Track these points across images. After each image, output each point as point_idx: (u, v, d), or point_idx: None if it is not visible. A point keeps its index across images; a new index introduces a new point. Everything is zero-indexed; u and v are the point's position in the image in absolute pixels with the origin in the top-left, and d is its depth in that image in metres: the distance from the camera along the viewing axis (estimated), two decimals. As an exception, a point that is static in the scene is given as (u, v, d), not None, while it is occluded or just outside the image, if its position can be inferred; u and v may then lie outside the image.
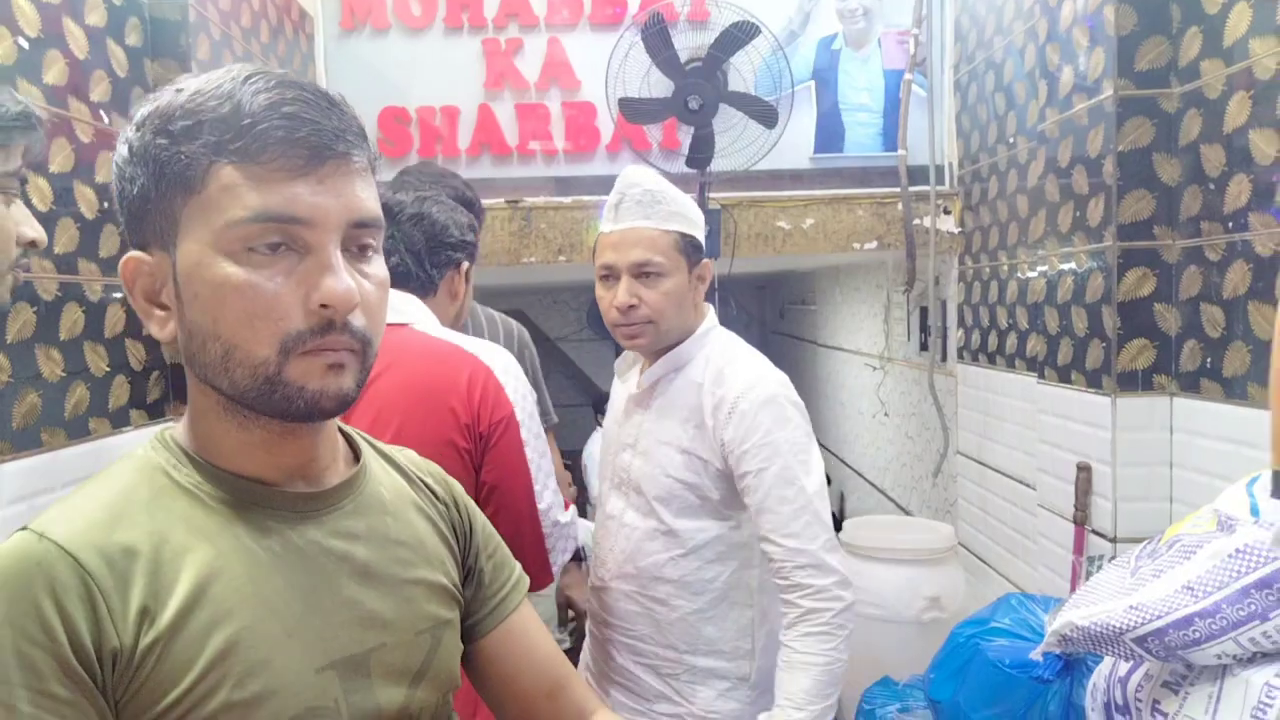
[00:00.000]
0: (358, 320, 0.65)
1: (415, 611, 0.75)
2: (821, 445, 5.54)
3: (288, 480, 0.70)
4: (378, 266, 0.68)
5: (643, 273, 1.51)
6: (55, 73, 1.71)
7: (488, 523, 0.89)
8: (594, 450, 4.05)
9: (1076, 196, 2.10)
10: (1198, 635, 1.22)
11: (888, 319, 3.78)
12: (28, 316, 1.55)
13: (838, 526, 4.37)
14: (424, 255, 1.51)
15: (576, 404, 6.53)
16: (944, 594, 2.51)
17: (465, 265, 1.61)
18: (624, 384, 1.71)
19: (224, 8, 2.26)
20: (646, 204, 1.52)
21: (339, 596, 0.69)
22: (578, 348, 7.49)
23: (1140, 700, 1.39)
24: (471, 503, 0.88)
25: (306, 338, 0.63)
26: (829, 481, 4.74)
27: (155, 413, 1.93)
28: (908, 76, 2.93)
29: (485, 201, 3.03)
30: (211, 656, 0.61)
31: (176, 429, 0.70)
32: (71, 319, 1.68)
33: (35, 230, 1.07)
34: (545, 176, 3.12)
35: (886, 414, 3.90)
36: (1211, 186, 1.79)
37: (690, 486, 1.52)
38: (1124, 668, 1.45)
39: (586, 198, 3.03)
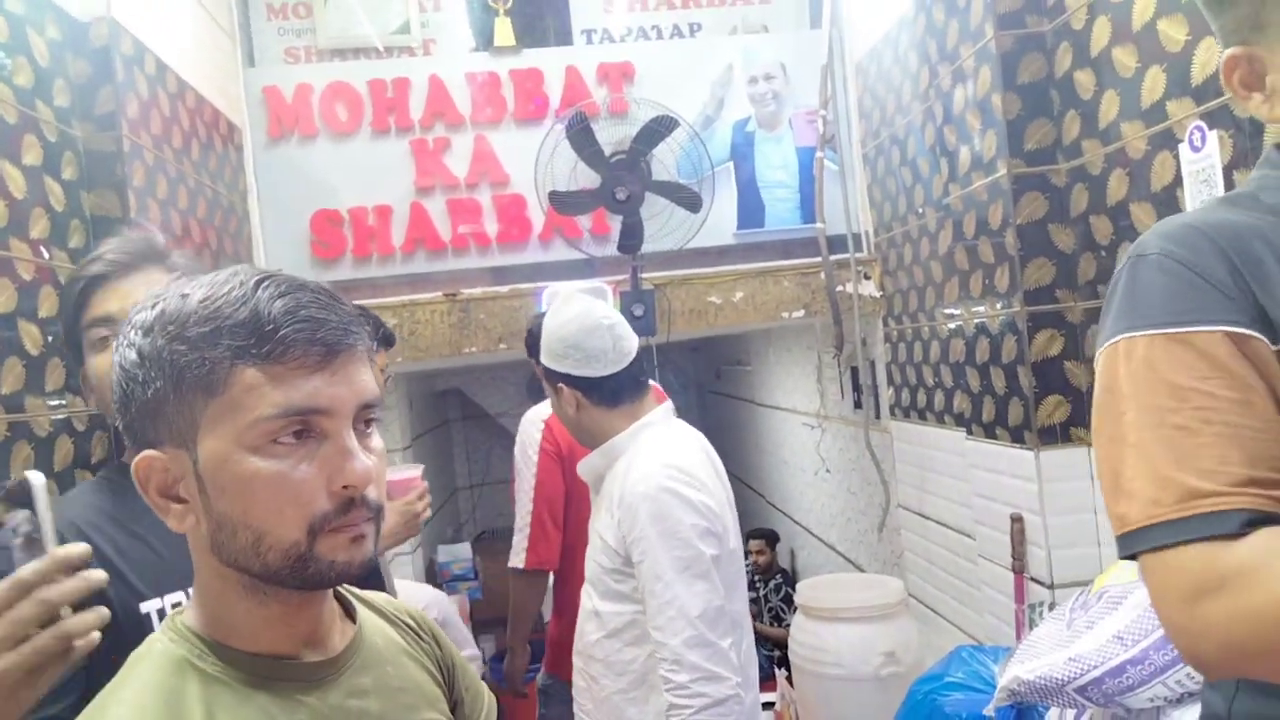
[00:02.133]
0: (372, 494, 0.70)
1: None
2: (768, 502, 5.62)
3: (302, 650, 0.74)
4: (378, 439, 0.73)
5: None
6: (-5, 216, 1.73)
7: (462, 657, 0.94)
8: None
9: (984, 265, 2.27)
10: (1131, 681, 1.33)
11: (821, 378, 3.92)
12: (-21, 464, 1.55)
13: (792, 584, 4.47)
14: None
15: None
16: (899, 648, 2.59)
17: None
18: None
19: (155, 132, 2.30)
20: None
21: None
22: (516, 421, 7.49)
23: (1088, 745, 1.48)
24: (445, 636, 0.93)
25: (331, 517, 0.68)
26: (774, 539, 4.84)
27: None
28: (819, 154, 3.11)
29: (423, 296, 3.10)
30: None
31: (186, 615, 0.73)
32: (22, 455, 1.68)
33: None
34: (481, 268, 3.20)
35: (828, 470, 4.02)
36: (1104, 254, 1.96)
37: (606, 571, 1.60)
38: (1070, 715, 1.55)
39: (523, 285, 3.11)
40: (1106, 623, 1.40)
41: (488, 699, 0.95)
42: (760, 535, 4.64)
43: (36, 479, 0.77)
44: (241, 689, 0.69)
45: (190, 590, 0.89)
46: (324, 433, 0.68)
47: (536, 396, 2.45)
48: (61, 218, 1.95)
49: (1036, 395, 2.08)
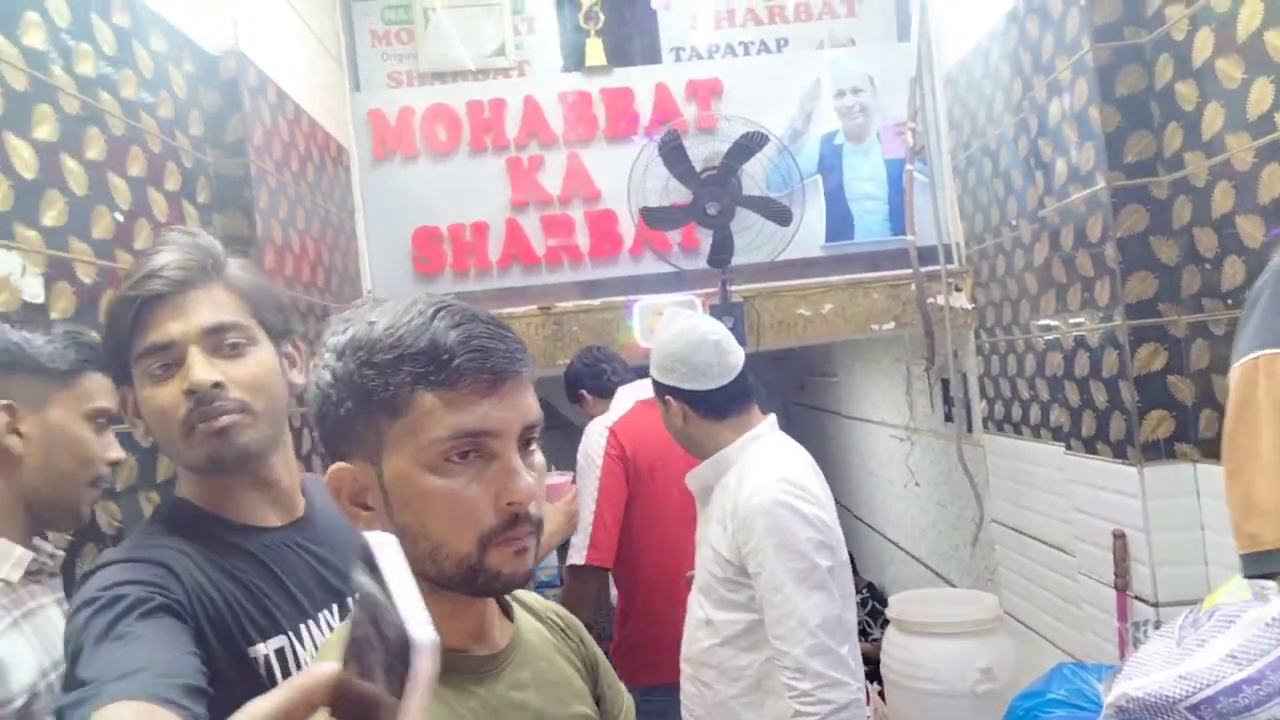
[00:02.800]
0: (533, 509, 0.76)
1: None
2: (854, 516, 5.59)
3: (470, 644, 0.81)
4: (539, 456, 0.80)
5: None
6: (143, 238, 1.88)
7: (604, 656, 1.00)
8: None
9: (1083, 277, 2.24)
10: (1247, 701, 1.31)
11: (910, 391, 3.90)
12: (131, 465, 1.69)
13: (880, 599, 4.43)
14: None
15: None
16: (995, 664, 2.56)
17: None
18: None
19: (277, 157, 2.46)
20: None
21: None
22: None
23: (1199, 765, 1.46)
24: (591, 639, 0.99)
25: (499, 532, 0.74)
26: (851, 557, 4.80)
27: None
28: (909, 166, 3.10)
29: (518, 309, 3.21)
30: None
31: None
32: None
33: (118, 451, 1.24)
34: (573, 281, 3.29)
35: (917, 484, 3.98)
36: (1208, 266, 1.92)
37: (719, 581, 1.65)
38: (1180, 734, 1.53)
39: (615, 299, 3.19)
40: (1219, 641, 1.38)
41: (627, 698, 1.01)
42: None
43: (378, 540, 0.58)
44: None
45: (291, 634, 0.97)
46: (492, 453, 0.75)
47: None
48: (196, 239, 2.11)
49: (1140, 410, 2.05)
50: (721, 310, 2.90)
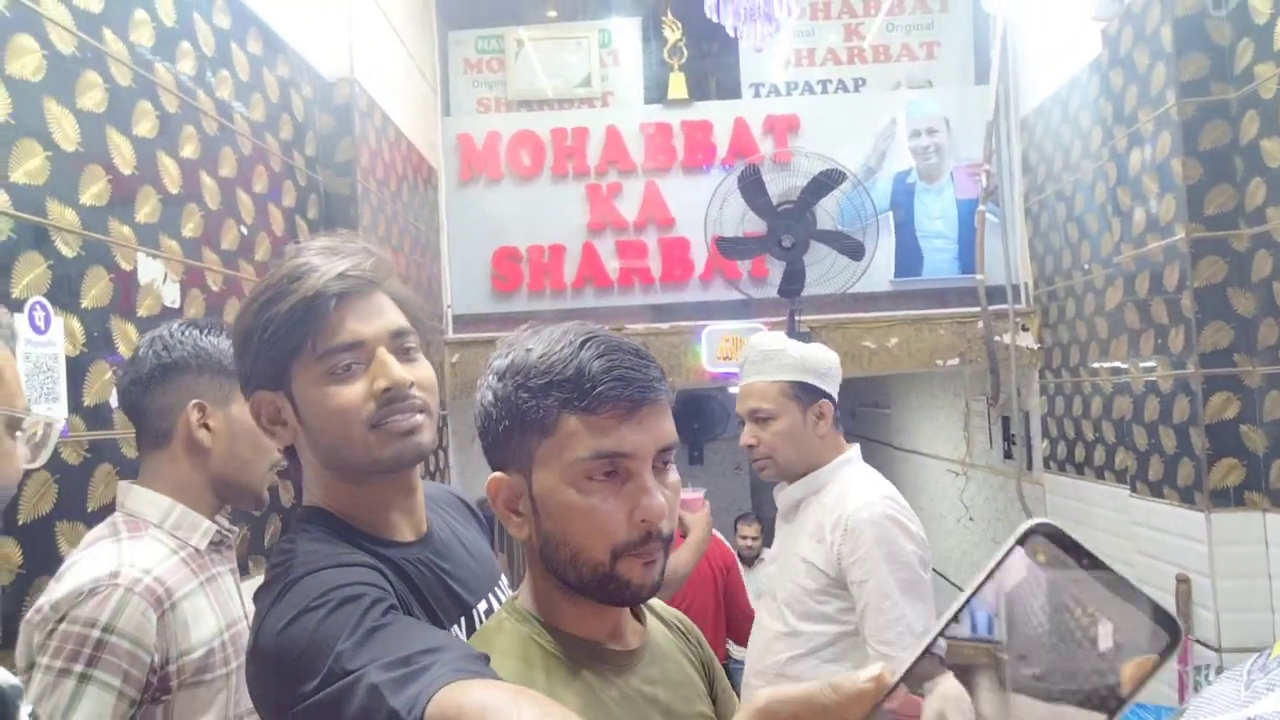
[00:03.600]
0: (665, 527, 0.84)
1: None
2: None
3: (608, 639, 0.89)
4: (674, 475, 0.87)
5: (757, 417, 1.81)
6: (263, 250, 2.02)
7: (715, 658, 1.08)
8: None
9: (1156, 325, 2.28)
10: (1315, 746, 1.34)
11: (968, 426, 3.92)
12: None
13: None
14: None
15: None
16: (1049, 702, 2.58)
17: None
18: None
19: (379, 177, 2.60)
20: (758, 363, 1.84)
21: None
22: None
23: (1264, 808, 1.49)
24: (705, 640, 1.07)
25: (631, 546, 0.82)
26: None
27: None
28: (981, 208, 3.16)
29: (590, 329, 3.31)
30: None
31: (523, 600, 0.90)
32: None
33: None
34: (644, 305, 3.40)
35: (971, 518, 4.00)
36: (1286, 320, 1.96)
37: (810, 593, 1.72)
38: (1245, 777, 1.56)
39: (683, 323, 3.28)
40: (1289, 687, 1.42)
41: (736, 701, 1.08)
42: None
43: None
44: (569, 664, 0.85)
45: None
46: (629, 472, 0.82)
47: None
48: (306, 252, 2.25)
49: (1210, 457, 2.08)
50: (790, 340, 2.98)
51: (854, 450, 1.86)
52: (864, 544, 1.65)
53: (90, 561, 1.10)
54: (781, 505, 1.87)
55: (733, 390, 1.99)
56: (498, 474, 0.86)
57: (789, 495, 1.84)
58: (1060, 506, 2.97)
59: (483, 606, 1.05)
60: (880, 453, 5.90)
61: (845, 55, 3.62)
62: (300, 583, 0.85)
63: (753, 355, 1.85)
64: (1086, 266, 2.73)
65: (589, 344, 0.82)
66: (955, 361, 3.20)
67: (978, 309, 3.14)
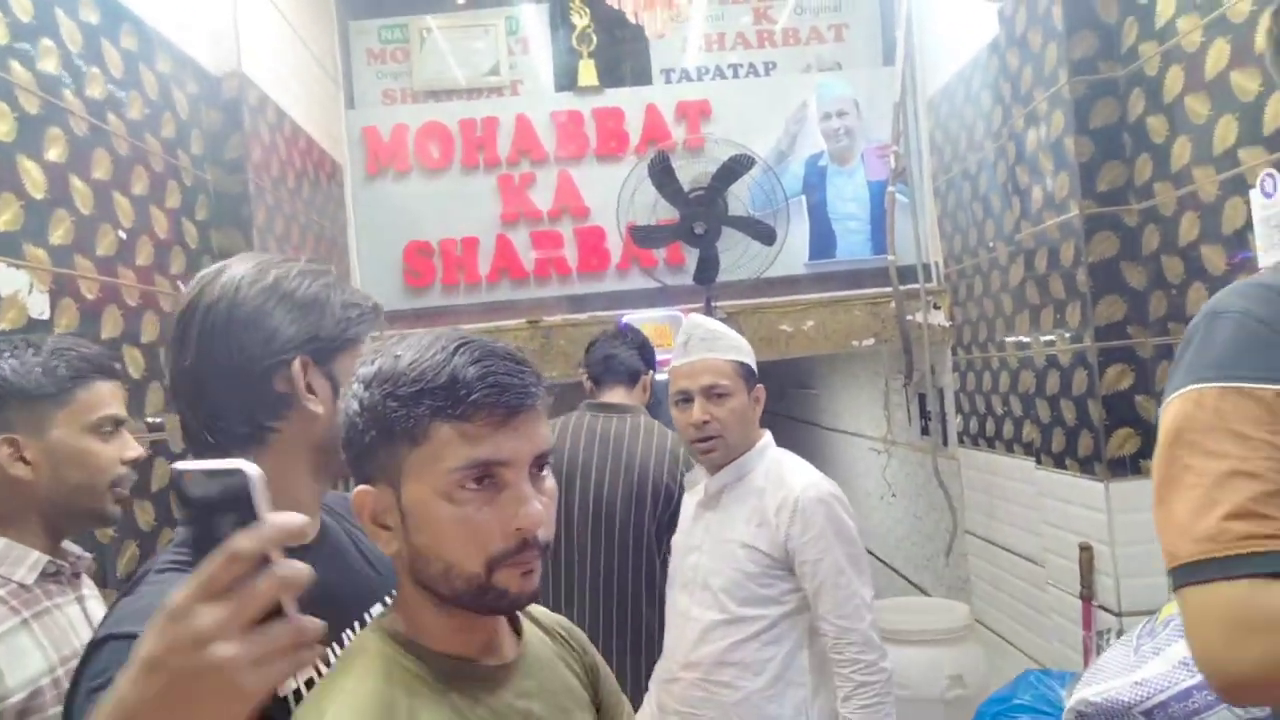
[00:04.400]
0: (542, 534, 0.81)
1: None
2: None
3: (481, 655, 0.86)
4: (551, 482, 0.86)
5: (713, 394, 1.78)
6: (145, 255, 1.93)
7: (605, 664, 1.06)
8: None
9: (1055, 300, 2.33)
10: (1197, 705, 1.39)
11: (888, 404, 3.99)
12: (136, 478, 1.74)
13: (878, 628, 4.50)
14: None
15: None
16: (965, 671, 2.64)
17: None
18: (692, 495, 1.95)
19: (274, 174, 2.51)
20: (710, 340, 1.83)
21: None
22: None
23: (1157, 769, 1.54)
24: (593, 648, 1.05)
25: (507, 555, 0.80)
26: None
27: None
28: (890, 188, 3.20)
29: (506, 323, 3.27)
30: None
31: (389, 619, 0.86)
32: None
33: (135, 450, 1.25)
34: (561, 296, 3.36)
35: (894, 495, 4.07)
36: (1175, 292, 2.02)
37: (751, 577, 1.74)
38: (1140, 739, 1.61)
39: (602, 313, 3.25)
40: (1173, 649, 1.46)
41: (627, 705, 1.07)
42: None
43: (252, 470, 0.56)
44: (437, 685, 0.82)
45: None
46: (504, 481, 0.80)
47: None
48: (195, 255, 2.16)
49: (1107, 428, 2.14)
50: (707, 326, 2.98)
51: (769, 435, 1.88)
52: (816, 524, 1.70)
53: None
54: (705, 493, 1.87)
55: (662, 376, 1.95)
56: (364, 487, 0.82)
57: (716, 482, 1.84)
58: (974, 480, 3.04)
59: (377, 610, 1.02)
60: (808, 432, 5.98)
61: (755, 39, 3.62)
62: (118, 606, 0.85)
63: (699, 333, 1.84)
64: (991, 244, 2.78)
65: (462, 350, 0.80)
66: (871, 342, 3.24)
67: (890, 289, 3.18)
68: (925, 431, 3.47)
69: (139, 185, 1.92)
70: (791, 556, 1.71)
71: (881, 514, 4.37)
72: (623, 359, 2.35)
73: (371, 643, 0.84)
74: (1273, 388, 0.77)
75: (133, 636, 0.82)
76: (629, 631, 2.21)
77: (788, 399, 6.76)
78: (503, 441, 0.79)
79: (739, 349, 1.84)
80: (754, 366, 1.85)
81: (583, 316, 3.27)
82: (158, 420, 1.88)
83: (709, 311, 3.05)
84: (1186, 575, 0.76)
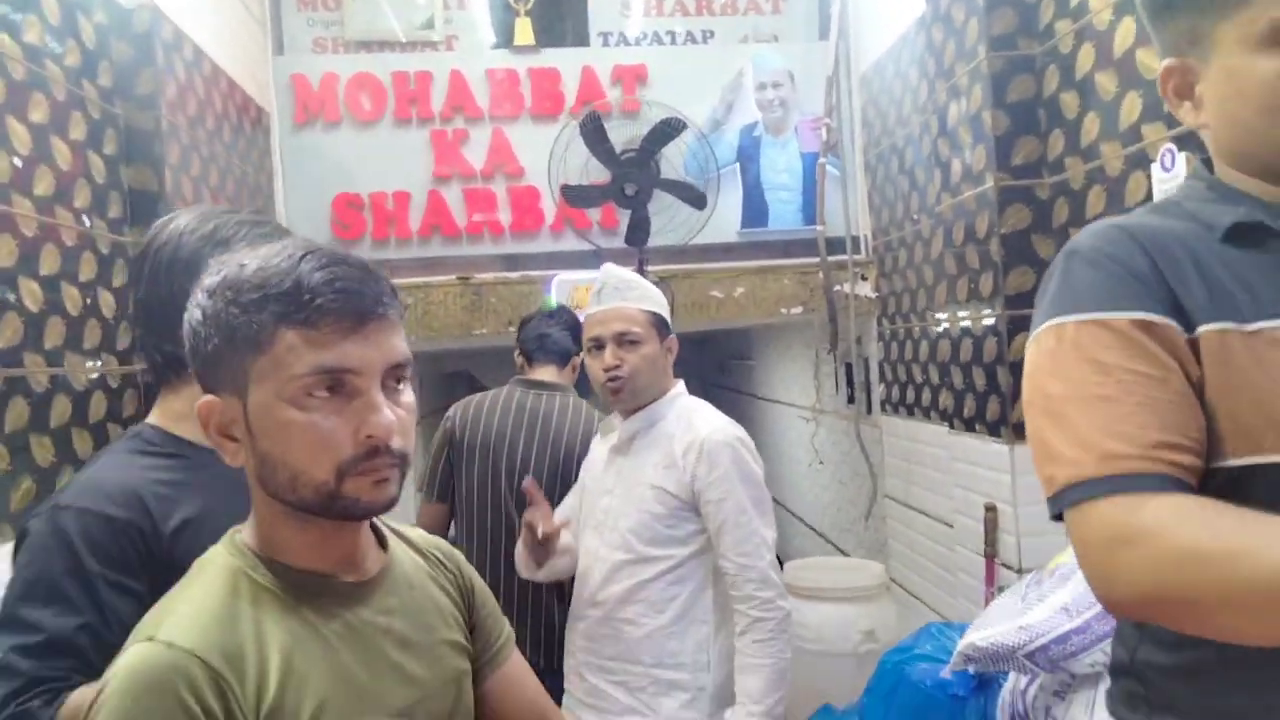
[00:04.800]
0: (396, 443, 0.81)
1: (444, 667, 0.92)
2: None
3: (338, 570, 0.86)
4: (409, 395, 0.85)
5: (624, 341, 1.82)
6: (44, 185, 1.87)
7: (485, 586, 1.06)
8: None
9: (970, 270, 2.39)
10: (1073, 648, 1.46)
11: (818, 374, 4.05)
12: (22, 408, 1.69)
13: (780, 568, 4.60)
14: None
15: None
16: (878, 627, 2.72)
17: None
18: (605, 441, 1.97)
19: (191, 114, 2.44)
20: (623, 289, 1.87)
21: (388, 662, 0.85)
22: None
23: (1036, 708, 1.61)
24: (471, 569, 1.06)
25: (357, 462, 0.78)
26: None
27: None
28: (822, 160, 3.23)
29: (437, 279, 3.24)
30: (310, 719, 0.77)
31: (244, 534, 0.85)
32: (60, 408, 1.82)
33: None
34: (494, 254, 3.33)
35: (821, 462, 4.15)
36: (1078, 262, 2.08)
37: (658, 518, 1.78)
38: (1024, 681, 1.68)
39: (534, 273, 3.24)
40: (1056, 596, 1.53)
41: (506, 627, 1.07)
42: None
43: None
44: (287, 599, 0.81)
45: None
46: (355, 390, 0.79)
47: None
48: (102, 190, 2.09)
49: (1014, 393, 2.21)
50: (636, 289, 2.98)
51: (681, 384, 1.93)
52: (720, 465, 1.75)
53: None
54: (618, 439, 1.90)
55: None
56: (209, 398, 0.81)
57: (628, 428, 1.87)
58: (895, 447, 3.11)
59: None
60: (745, 403, 6.05)
61: (694, 7, 3.61)
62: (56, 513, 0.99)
63: (613, 281, 1.87)
64: (916, 217, 2.84)
65: (309, 256, 0.79)
66: (799, 310, 3.28)
67: (819, 259, 3.22)
68: (851, 400, 3.54)
69: (37, 113, 1.85)
70: (697, 497, 1.76)
71: (810, 481, 4.45)
72: (556, 339, 2.42)
73: (219, 555, 0.83)
74: (1126, 316, 0.80)
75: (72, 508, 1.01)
76: (556, 601, 2.24)
77: (728, 371, 6.83)
78: (351, 349, 0.78)
79: (651, 298, 1.87)
80: (667, 317, 1.89)
81: (514, 276, 3.25)
82: (57, 354, 1.83)
83: (642, 274, 3.05)
84: (1062, 500, 0.79)
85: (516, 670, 1.04)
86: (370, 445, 0.79)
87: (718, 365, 7.19)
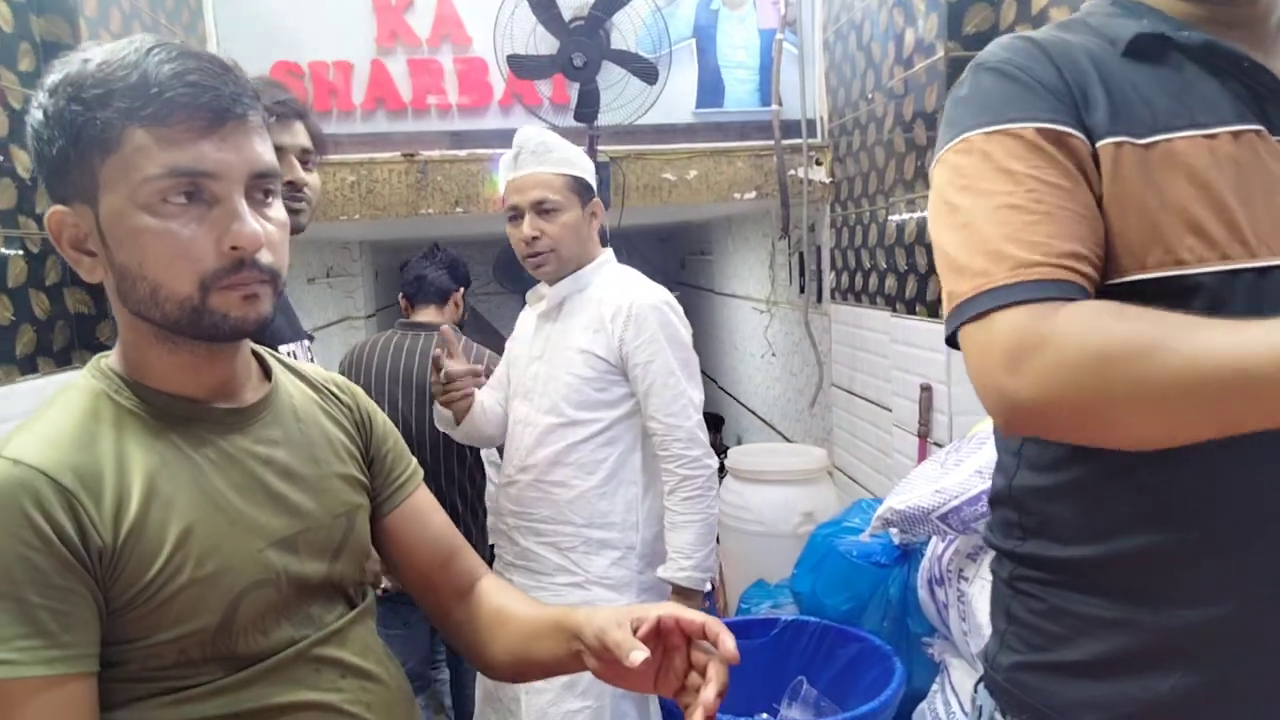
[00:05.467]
0: (265, 257, 0.77)
1: (332, 500, 0.90)
2: (719, 387, 5.80)
3: (213, 398, 0.83)
4: (278, 210, 0.80)
5: (542, 209, 1.78)
6: (-58, 31, 1.75)
7: (387, 420, 1.04)
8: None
9: (917, 147, 2.35)
10: (985, 509, 1.49)
11: (773, 265, 4.03)
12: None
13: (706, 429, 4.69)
14: None
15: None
16: (817, 509, 2.78)
17: None
18: (533, 309, 1.97)
19: (108, -36, 2.28)
20: (540, 154, 1.79)
21: (268, 492, 0.83)
22: (485, 301, 7.58)
23: (950, 571, 1.66)
24: (372, 404, 1.03)
25: (222, 275, 0.74)
26: (719, 423, 5.02)
27: (62, 360, 2.01)
28: (779, 36, 3.13)
29: (381, 155, 3.13)
30: (173, 543, 0.75)
31: (110, 358, 0.81)
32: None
33: None
34: (440, 131, 3.22)
35: (774, 354, 4.17)
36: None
37: (588, 381, 1.79)
38: (941, 547, 1.73)
39: (482, 151, 3.14)
40: (971, 460, 1.56)
41: (413, 464, 1.05)
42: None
43: None
44: (153, 423, 0.78)
45: None
46: (214, 197, 0.74)
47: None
48: (9, 39, 1.97)
49: (954, 273, 2.20)
50: (585, 167, 2.91)
51: (610, 251, 1.91)
52: (648, 328, 1.75)
53: None
54: (545, 305, 1.88)
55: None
56: (57, 208, 0.76)
57: (556, 293, 1.85)
58: (842, 334, 3.12)
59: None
60: (704, 298, 6.03)
61: None
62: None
63: (530, 145, 1.80)
64: (870, 96, 2.77)
65: (158, 49, 0.73)
66: (752, 195, 3.23)
67: (774, 142, 3.15)
68: (803, 290, 3.53)
69: (-71, -52, 1.72)
70: (625, 361, 1.76)
71: (762, 374, 4.48)
72: (432, 279, 2.47)
73: (83, 379, 0.80)
74: (1032, 125, 0.78)
75: None
76: (472, 518, 2.29)
77: (688, 267, 6.79)
78: (208, 151, 0.73)
79: (570, 162, 1.81)
80: (590, 180, 1.83)
81: (461, 154, 3.16)
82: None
83: (593, 152, 2.98)
84: (965, 311, 0.75)
85: (421, 505, 1.02)
86: (235, 257, 0.75)
87: (678, 262, 7.14)
